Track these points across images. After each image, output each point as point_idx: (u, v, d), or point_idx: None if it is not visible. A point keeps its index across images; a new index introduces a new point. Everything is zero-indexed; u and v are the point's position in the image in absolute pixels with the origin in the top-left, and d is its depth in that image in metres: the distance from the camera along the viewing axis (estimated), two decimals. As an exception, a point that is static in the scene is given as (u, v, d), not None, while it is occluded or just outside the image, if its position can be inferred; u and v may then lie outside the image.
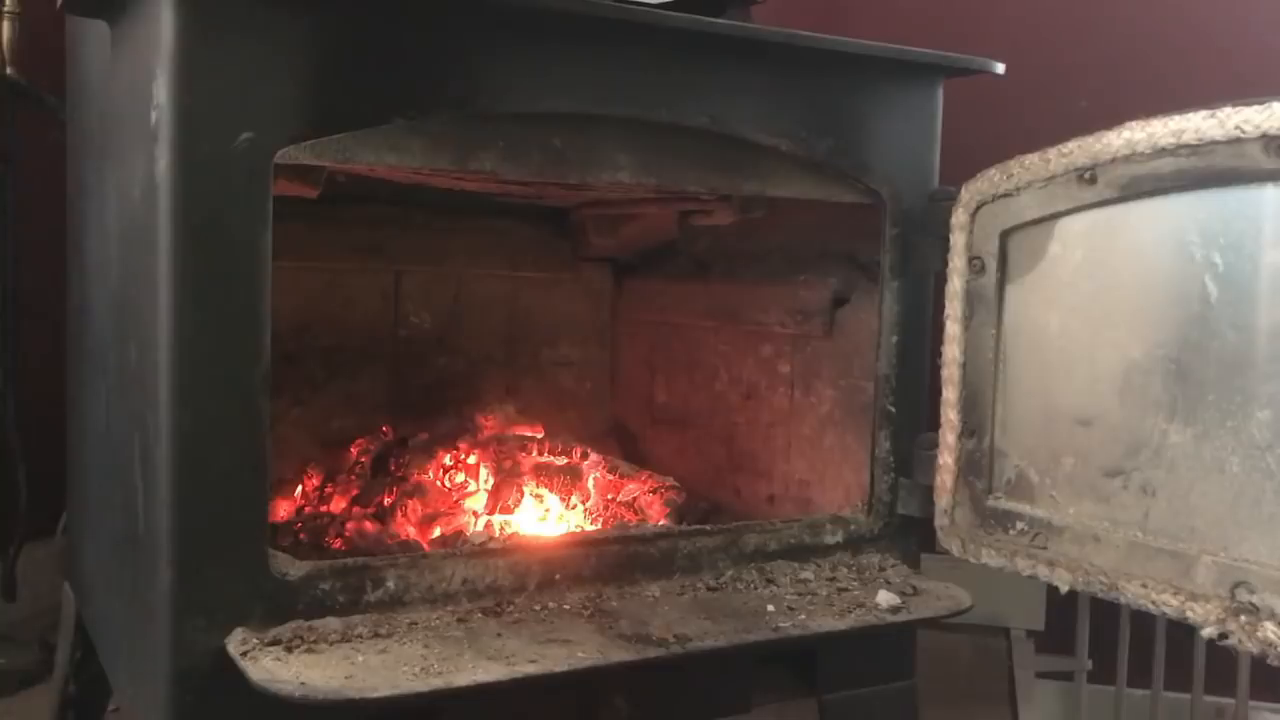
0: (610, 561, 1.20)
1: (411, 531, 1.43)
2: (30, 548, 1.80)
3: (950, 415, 1.26)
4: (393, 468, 1.60)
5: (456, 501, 1.51)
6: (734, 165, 1.25)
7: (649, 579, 1.22)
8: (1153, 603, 1.06)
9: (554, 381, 1.97)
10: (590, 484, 1.57)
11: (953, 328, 1.26)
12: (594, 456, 1.63)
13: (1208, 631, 1.01)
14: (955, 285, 1.25)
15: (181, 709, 0.99)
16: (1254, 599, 0.99)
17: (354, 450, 1.65)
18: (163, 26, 0.96)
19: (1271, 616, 0.97)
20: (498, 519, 1.47)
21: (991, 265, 1.22)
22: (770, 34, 1.22)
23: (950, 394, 1.26)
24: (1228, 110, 0.99)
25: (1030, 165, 1.17)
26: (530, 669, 0.99)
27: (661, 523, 1.47)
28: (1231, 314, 1.01)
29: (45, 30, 1.65)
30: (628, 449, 1.91)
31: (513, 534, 1.43)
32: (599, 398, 2.00)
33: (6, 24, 1.73)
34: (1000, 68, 1.33)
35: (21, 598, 1.82)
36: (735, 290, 1.71)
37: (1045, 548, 1.17)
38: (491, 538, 1.34)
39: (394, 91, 1.05)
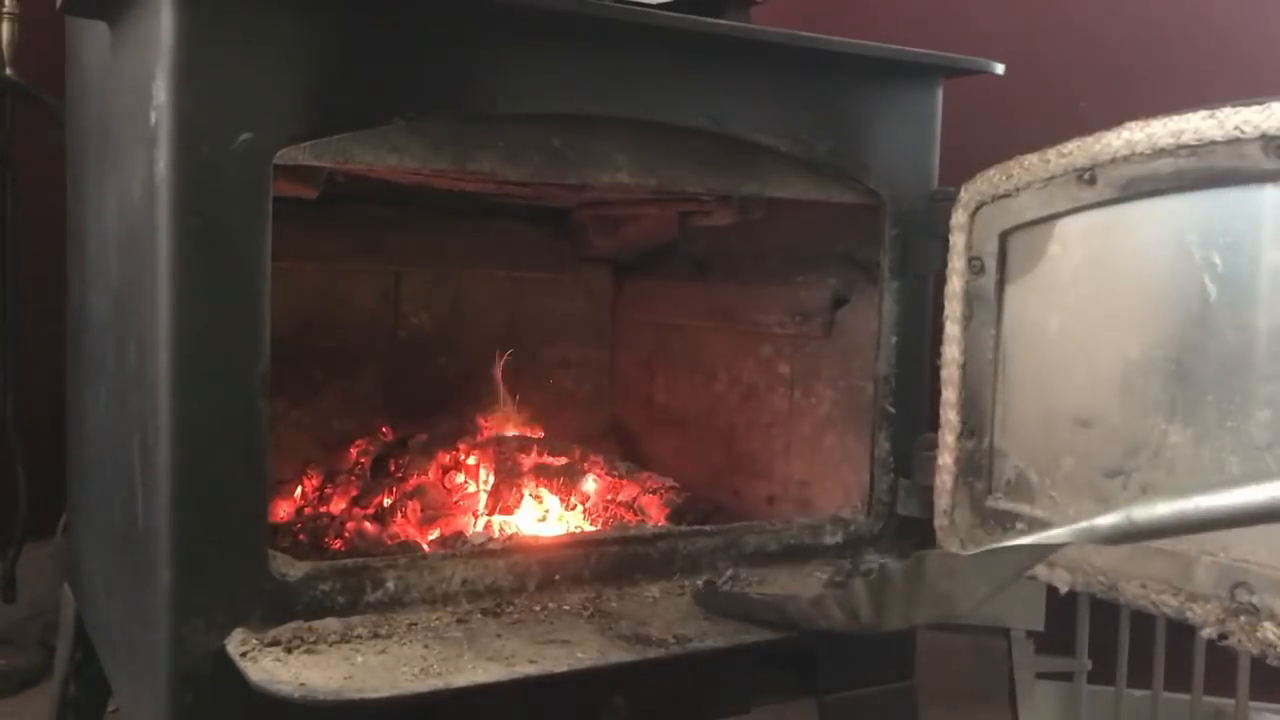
0: (610, 562, 1.20)
1: (411, 532, 1.42)
2: (30, 548, 1.80)
3: (950, 415, 1.26)
4: (392, 469, 1.60)
5: (456, 502, 1.51)
6: (734, 166, 1.25)
7: (649, 579, 1.22)
8: (1152, 603, 1.06)
9: (554, 382, 1.97)
10: (590, 485, 1.57)
11: (952, 328, 1.26)
12: (594, 457, 1.63)
13: (1208, 632, 1.01)
14: (955, 286, 1.25)
15: (181, 709, 0.99)
16: (1254, 599, 0.98)
17: (353, 451, 1.65)
18: (163, 26, 0.96)
19: (1271, 617, 0.97)
20: (497, 520, 1.47)
21: (991, 266, 1.22)
22: (770, 34, 1.22)
23: (950, 394, 1.26)
24: (1227, 111, 0.99)
25: (1030, 166, 1.17)
26: (530, 670, 0.99)
27: (661, 523, 1.46)
28: (1231, 314, 1.01)
29: (45, 30, 1.65)
30: (627, 449, 1.91)
31: (512, 535, 1.43)
32: (599, 398, 2.00)
33: (6, 24, 1.73)
34: (1000, 68, 1.33)
35: (21, 598, 1.82)
36: (735, 291, 1.71)
37: (1045, 548, 1.17)
38: (491, 538, 1.34)
39: (394, 92, 1.05)
